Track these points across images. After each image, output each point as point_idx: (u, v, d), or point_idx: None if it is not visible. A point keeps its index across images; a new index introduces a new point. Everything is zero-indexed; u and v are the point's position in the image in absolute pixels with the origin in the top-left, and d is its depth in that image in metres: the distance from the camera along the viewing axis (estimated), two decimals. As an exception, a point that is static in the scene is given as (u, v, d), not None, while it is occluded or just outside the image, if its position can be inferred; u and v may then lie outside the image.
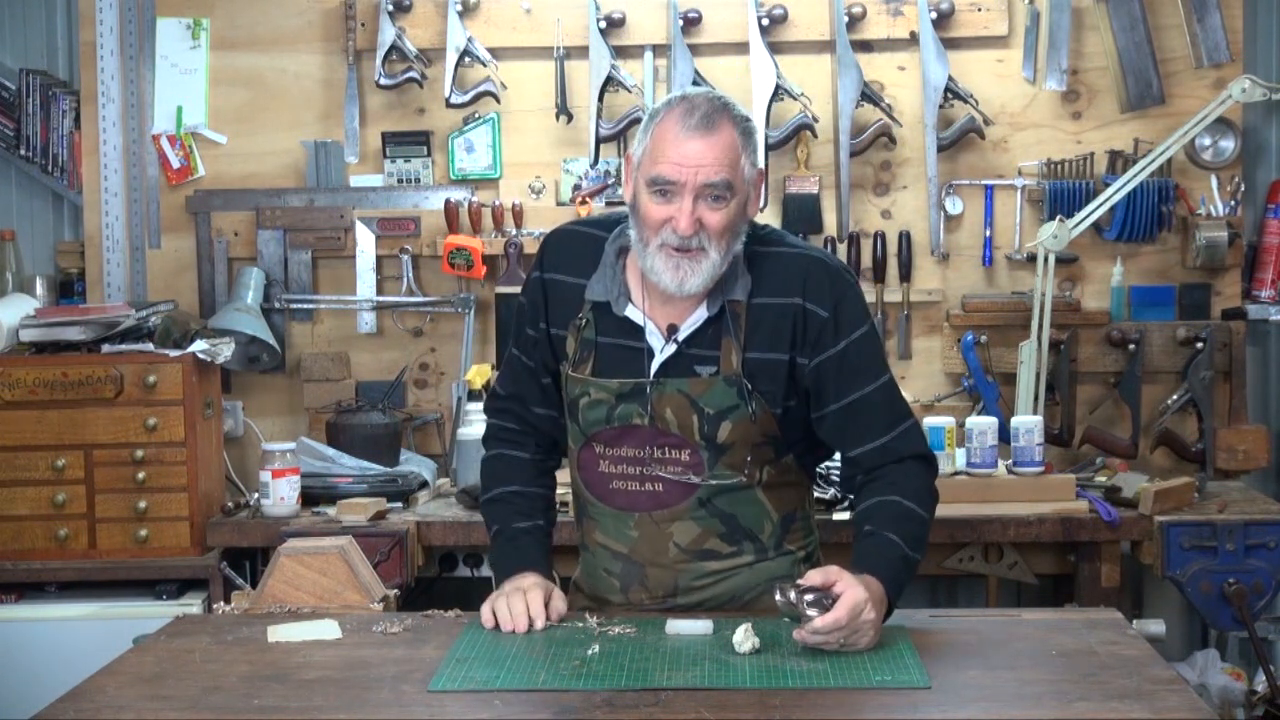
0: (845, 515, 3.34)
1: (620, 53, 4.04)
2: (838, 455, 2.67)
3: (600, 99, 3.98)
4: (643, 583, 2.55)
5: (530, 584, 2.46)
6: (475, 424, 3.81)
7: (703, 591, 2.54)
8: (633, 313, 2.48)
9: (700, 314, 2.46)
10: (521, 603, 2.41)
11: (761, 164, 2.45)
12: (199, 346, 3.64)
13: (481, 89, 4.03)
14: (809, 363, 2.45)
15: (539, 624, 2.40)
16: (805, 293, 2.45)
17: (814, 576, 2.25)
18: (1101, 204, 3.81)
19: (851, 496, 2.57)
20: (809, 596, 2.22)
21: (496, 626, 2.41)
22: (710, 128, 2.35)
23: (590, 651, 2.27)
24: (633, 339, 2.48)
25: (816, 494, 2.97)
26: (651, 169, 2.37)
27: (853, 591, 2.23)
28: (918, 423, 2.54)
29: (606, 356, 2.50)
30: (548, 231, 3.77)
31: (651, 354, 2.47)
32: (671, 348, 2.47)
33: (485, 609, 2.44)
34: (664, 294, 2.45)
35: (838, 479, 3.45)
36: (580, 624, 2.43)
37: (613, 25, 4.03)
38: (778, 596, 2.23)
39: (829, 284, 2.46)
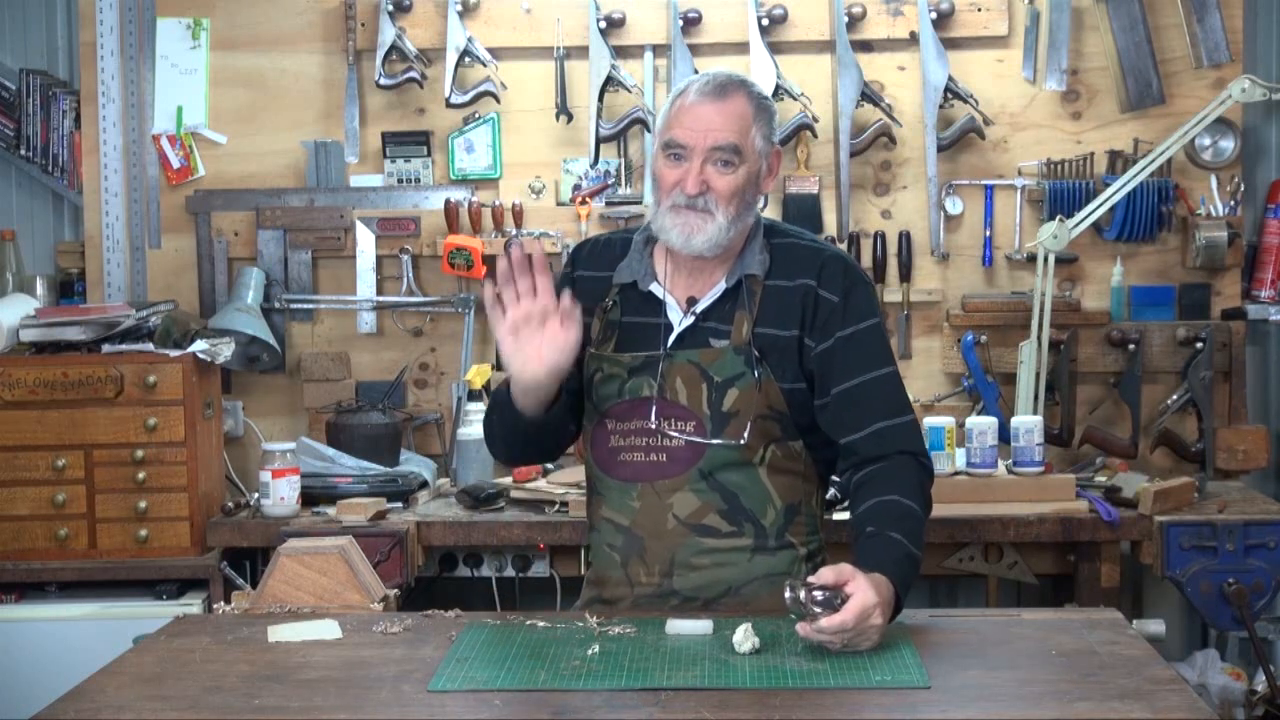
0: (845, 515, 3.34)
1: (620, 53, 4.04)
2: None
3: (600, 99, 3.99)
4: (641, 557, 2.56)
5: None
6: (475, 424, 3.81)
7: (700, 573, 2.55)
8: (655, 288, 2.58)
9: (719, 287, 2.55)
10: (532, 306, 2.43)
11: (778, 143, 2.53)
12: (199, 346, 3.64)
13: (481, 89, 4.03)
14: (815, 346, 2.52)
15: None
16: (820, 278, 2.54)
17: (826, 574, 2.25)
18: (1101, 204, 3.81)
19: (848, 498, 2.57)
20: (819, 595, 2.21)
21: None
22: (722, 95, 2.48)
23: (590, 651, 2.27)
24: (653, 315, 2.57)
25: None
26: (666, 134, 2.51)
27: (863, 595, 2.22)
28: (917, 422, 2.57)
29: (627, 334, 2.59)
30: (551, 231, 3.81)
31: (669, 328, 2.55)
32: (689, 319, 2.55)
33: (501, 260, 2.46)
34: (688, 267, 2.56)
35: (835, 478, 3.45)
36: (580, 624, 2.43)
37: (613, 25, 4.03)
38: (787, 594, 2.23)
39: (843, 273, 2.55)
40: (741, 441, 2.51)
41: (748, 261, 2.54)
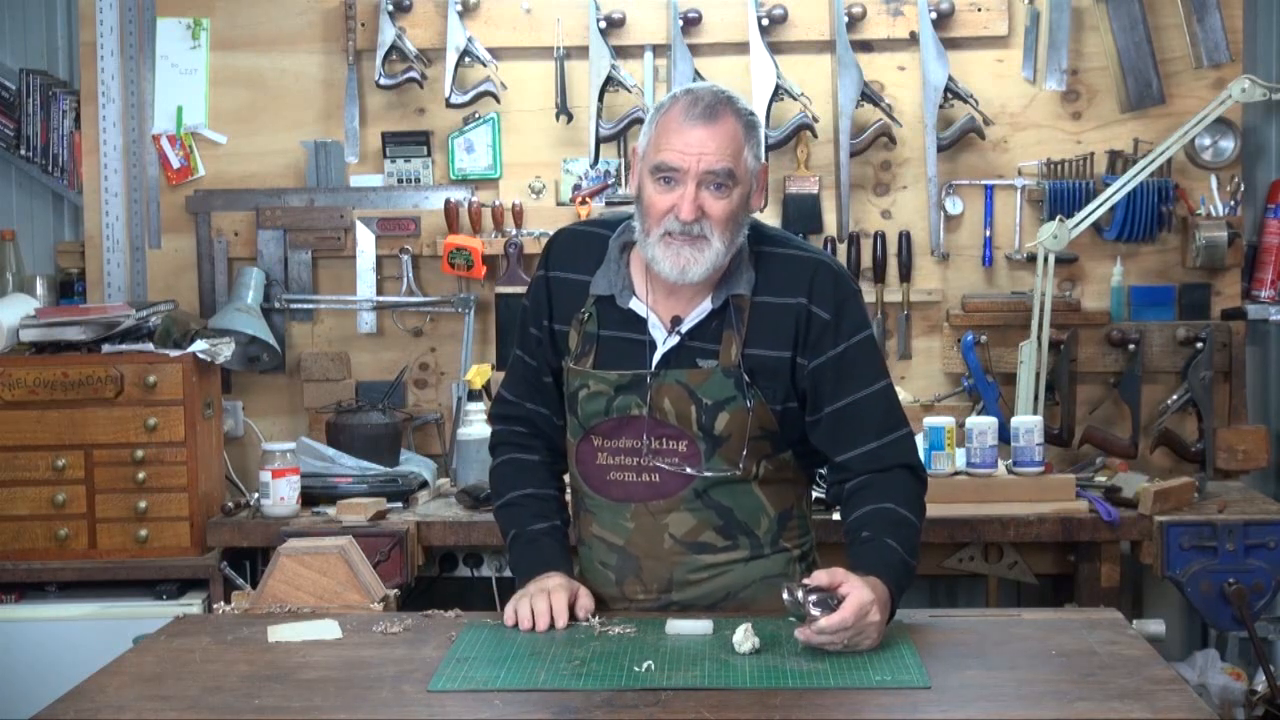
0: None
1: (620, 53, 4.04)
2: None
3: (600, 99, 3.99)
4: (638, 576, 2.55)
5: (555, 584, 2.47)
6: (475, 424, 3.81)
7: (698, 587, 2.54)
8: (636, 305, 2.50)
9: (704, 307, 2.48)
10: (545, 602, 2.42)
11: (764, 159, 2.47)
12: (199, 346, 3.64)
13: (481, 89, 4.04)
14: (808, 364, 2.47)
15: (560, 623, 2.41)
16: (811, 294, 2.47)
17: (820, 577, 2.25)
18: (1101, 204, 3.81)
19: (837, 506, 2.56)
20: (814, 597, 2.22)
21: (518, 625, 2.42)
22: (713, 117, 2.39)
23: (590, 651, 2.27)
24: (635, 331, 2.50)
25: (815, 494, 2.97)
26: (655, 157, 2.41)
27: (859, 593, 2.23)
28: (912, 434, 2.54)
29: (608, 349, 2.52)
30: (550, 231, 3.80)
31: (654, 346, 2.49)
32: (674, 339, 2.48)
33: (509, 609, 2.45)
34: (668, 287, 2.47)
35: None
36: (581, 624, 2.43)
37: (613, 25, 4.03)
38: (785, 596, 2.23)
39: (833, 287, 2.48)
40: (737, 472, 2.49)
41: (734, 280, 2.47)
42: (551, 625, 2.40)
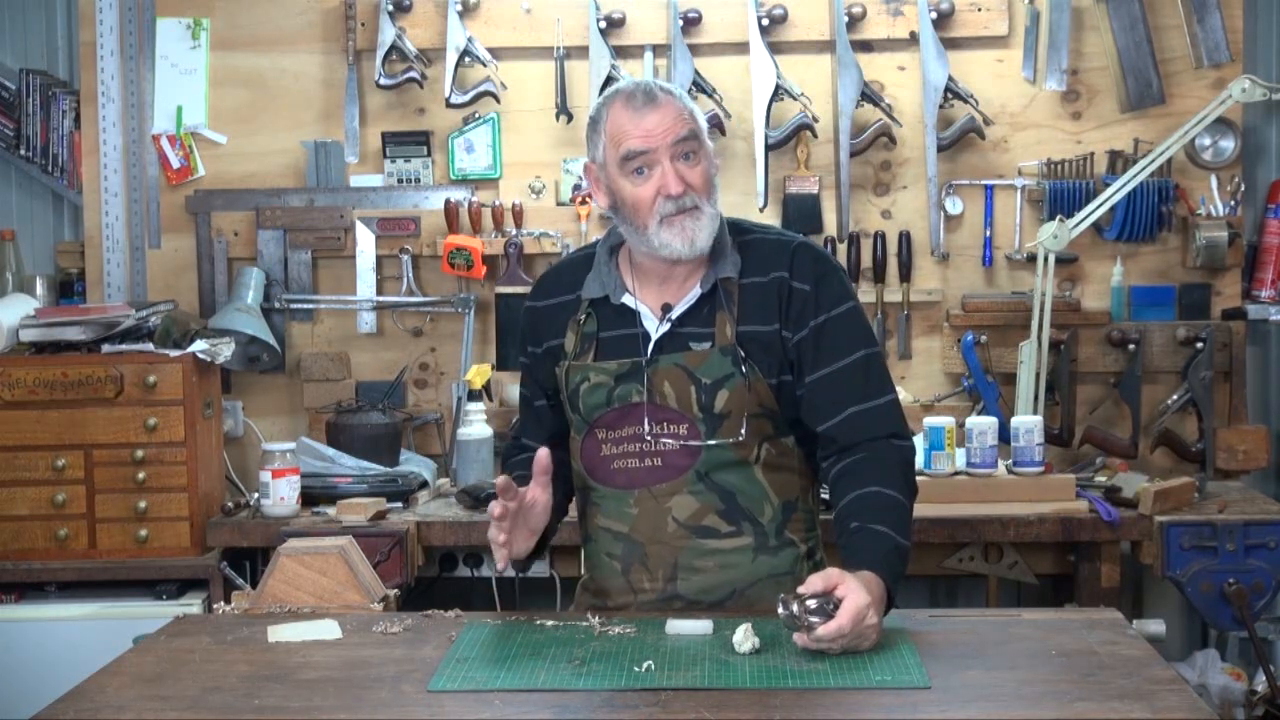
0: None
1: (620, 53, 4.04)
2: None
3: (600, 99, 3.99)
4: (643, 562, 2.56)
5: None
6: (475, 424, 3.81)
7: (703, 575, 2.54)
8: (629, 300, 2.56)
9: (694, 293, 2.54)
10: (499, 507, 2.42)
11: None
12: (199, 346, 3.64)
13: (481, 89, 4.04)
14: (792, 336, 2.52)
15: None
16: (790, 269, 2.53)
17: (815, 582, 2.25)
18: (1101, 204, 3.81)
19: (827, 490, 2.57)
20: (812, 604, 2.21)
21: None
22: (654, 101, 2.48)
23: (590, 651, 2.27)
24: (630, 326, 2.55)
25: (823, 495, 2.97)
26: (620, 149, 2.48)
27: (855, 597, 2.22)
28: (897, 402, 2.54)
29: (606, 345, 2.57)
30: (551, 231, 3.83)
31: (647, 337, 2.54)
32: (666, 326, 2.53)
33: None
34: (659, 278, 2.54)
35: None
36: (581, 624, 2.43)
37: (613, 25, 4.03)
38: (780, 610, 2.23)
39: (812, 262, 2.55)
40: (740, 438, 2.50)
41: (721, 265, 2.53)
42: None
